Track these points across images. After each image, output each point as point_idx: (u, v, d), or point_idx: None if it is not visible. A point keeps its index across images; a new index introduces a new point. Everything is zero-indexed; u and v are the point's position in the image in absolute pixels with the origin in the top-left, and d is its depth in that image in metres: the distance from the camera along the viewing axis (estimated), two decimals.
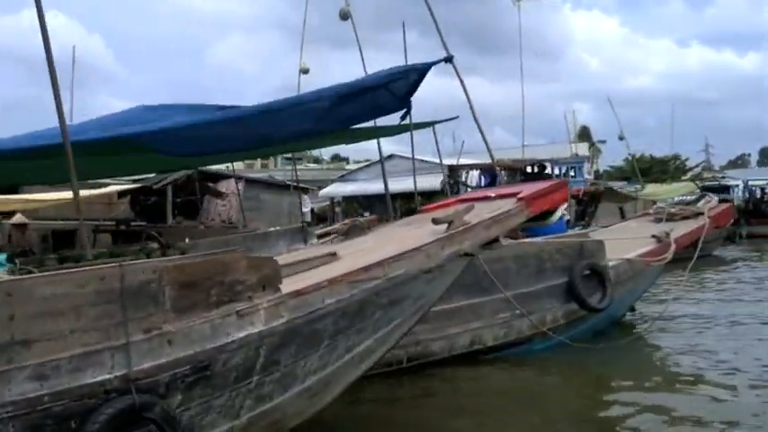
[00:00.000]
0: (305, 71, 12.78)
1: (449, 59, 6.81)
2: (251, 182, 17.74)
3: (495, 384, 5.69)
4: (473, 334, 5.89)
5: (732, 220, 8.45)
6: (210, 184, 16.36)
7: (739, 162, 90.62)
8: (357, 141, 8.68)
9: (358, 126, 7.63)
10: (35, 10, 3.69)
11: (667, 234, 7.10)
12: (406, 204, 21.41)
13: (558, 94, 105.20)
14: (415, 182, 10.59)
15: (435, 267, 3.87)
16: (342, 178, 24.05)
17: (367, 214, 22.99)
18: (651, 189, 20.00)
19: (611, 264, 6.71)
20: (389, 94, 6.72)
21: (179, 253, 7.80)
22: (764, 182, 28.82)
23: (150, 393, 2.72)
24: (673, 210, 7.95)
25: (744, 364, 6.39)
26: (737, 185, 27.28)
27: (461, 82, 7.04)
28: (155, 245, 8.65)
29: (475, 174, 17.62)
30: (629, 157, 68.99)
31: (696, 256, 7.52)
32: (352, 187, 22.20)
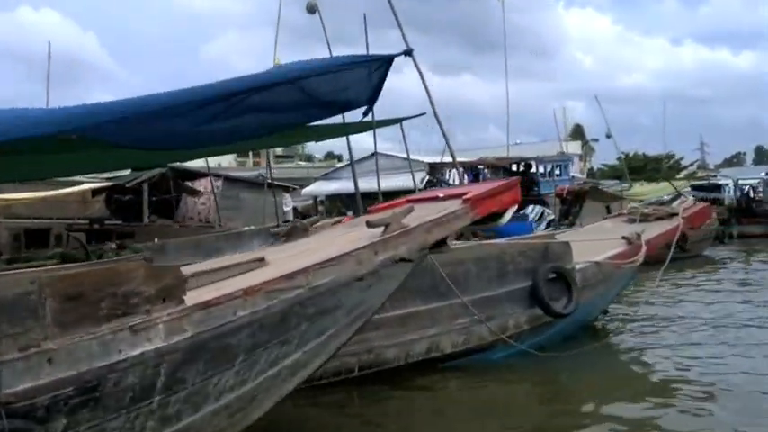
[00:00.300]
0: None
1: (408, 53, 6.56)
2: (231, 180, 17.44)
3: (453, 394, 5.46)
4: (430, 341, 5.64)
5: (708, 221, 8.17)
6: (188, 183, 16.08)
7: (735, 161, 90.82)
8: (321, 139, 8.43)
9: (318, 123, 7.41)
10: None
11: (638, 236, 6.86)
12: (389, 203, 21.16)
13: (552, 92, 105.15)
14: (378, 181, 10.35)
15: (368, 274, 3.61)
16: (325, 176, 23.80)
17: (350, 213, 22.75)
18: (639, 188, 19.78)
19: (577, 267, 6.46)
20: (355, 87, 6.48)
21: (133, 255, 7.52)
22: (756, 181, 28.63)
23: (25, 418, 2.46)
24: (646, 210, 7.71)
25: (721, 371, 6.17)
26: (728, 185, 27.07)
27: (420, 76, 6.77)
28: (113, 245, 8.35)
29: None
30: (622, 156, 68.88)
31: (669, 258, 7.31)
32: (336, 185, 21.94)
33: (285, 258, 3.80)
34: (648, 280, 13.72)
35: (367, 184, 21.52)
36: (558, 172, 19.14)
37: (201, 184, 16.48)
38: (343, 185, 21.29)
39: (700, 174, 55.14)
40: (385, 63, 6.43)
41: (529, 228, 8.05)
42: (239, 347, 3.16)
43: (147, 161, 9.08)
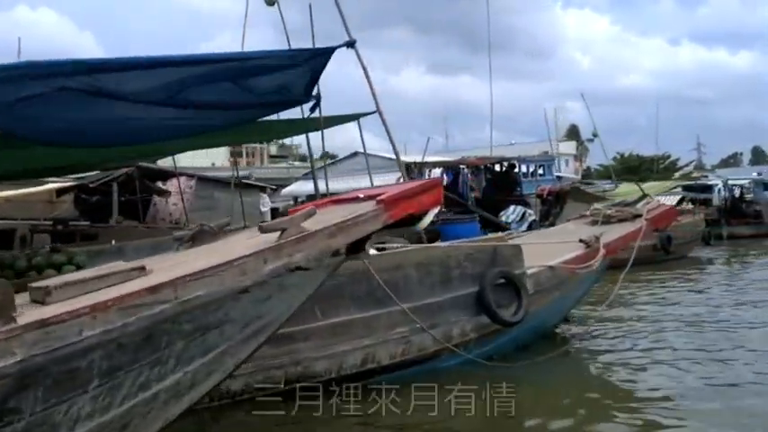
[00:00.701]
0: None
1: (350, 44, 6.21)
2: (205, 180, 17.06)
3: (388, 409, 4.86)
4: (365, 352, 5.26)
5: (671, 223, 7.80)
6: (160, 183, 15.70)
7: (731, 161, 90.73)
8: (264, 139, 8.15)
9: (266, 121, 7.03)
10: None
11: (597, 238, 6.49)
12: None
13: (550, 92, 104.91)
14: (327, 182, 9.93)
15: (255, 285, 3.23)
16: (306, 176, 23.39)
17: None
18: (624, 188, 19.41)
19: (529, 272, 6.09)
20: (289, 82, 6.12)
21: (66, 258, 7.16)
22: (745, 181, 28.30)
23: None
24: (609, 212, 7.33)
25: (688, 382, 5.80)
26: (718, 185, 26.75)
27: (364, 69, 6.45)
28: (47, 248, 7.98)
29: (437, 172, 17.00)
30: (618, 156, 68.91)
31: (631, 262, 6.95)
32: (320, 185, 21.55)
33: (170, 267, 3.42)
34: (632, 282, 13.53)
35: (347, 184, 21.19)
36: (541, 172, 18.75)
37: (174, 184, 16.08)
38: (321, 185, 20.95)
39: (695, 174, 54.93)
40: (325, 55, 6.09)
41: (477, 230, 7.65)
42: (92, 371, 2.77)
43: (98, 157, 8.68)
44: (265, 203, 18.12)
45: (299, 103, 6.48)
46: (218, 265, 3.09)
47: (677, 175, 56.13)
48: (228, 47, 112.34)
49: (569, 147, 72.26)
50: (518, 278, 5.88)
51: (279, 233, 3.38)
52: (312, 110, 6.85)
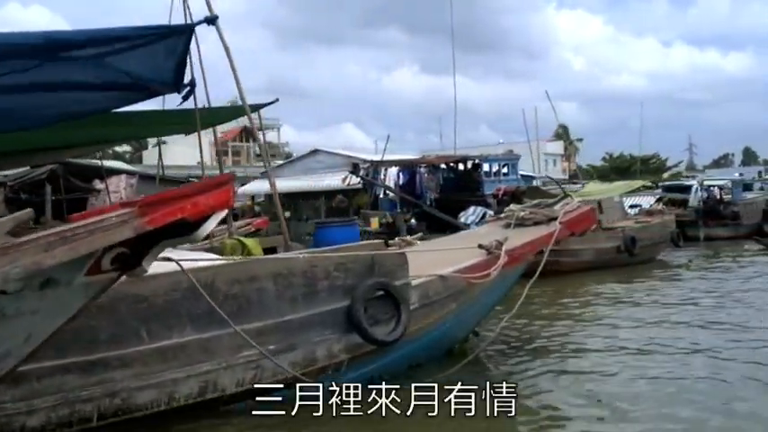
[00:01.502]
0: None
1: (211, 20, 5.45)
2: (146, 178, 16.24)
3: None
4: (203, 379, 4.49)
5: (593, 226, 7.06)
6: (97, 182, 14.88)
7: (722, 162, 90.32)
8: (136, 136, 7.38)
9: (122, 111, 6.26)
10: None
11: (500, 244, 5.74)
12: (329, 203, 20.10)
13: (542, 92, 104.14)
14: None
15: None
16: (265, 175, 22.60)
17: (287, 214, 21.60)
18: (590, 187, 18.67)
19: (415, 282, 5.34)
20: (149, 63, 5.36)
21: None
22: (723, 182, 27.63)
23: None
24: (523, 213, 6.59)
25: (595, 409, 5.11)
26: (694, 185, 26.06)
27: (226, 50, 5.70)
28: None
29: (393, 171, 16.24)
30: (606, 156, 68.01)
31: (540, 269, 6.22)
32: (277, 184, 20.80)
33: None
34: (592, 286, 12.84)
35: (307, 183, 20.46)
36: (505, 171, 17.98)
37: (113, 183, 15.27)
38: (282, 184, 20.16)
39: (685, 174, 54.35)
40: (183, 34, 5.33)
41: (356, 235, 6.87)
42: None
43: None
44: None
45: (166, 89, 5.70)
46: None
47: (666, 175, 55.69)
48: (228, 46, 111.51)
49: (557, 146, 71.66)
50: (398, 290, 5.13)
51: None
52: (185, 98, 6.09)
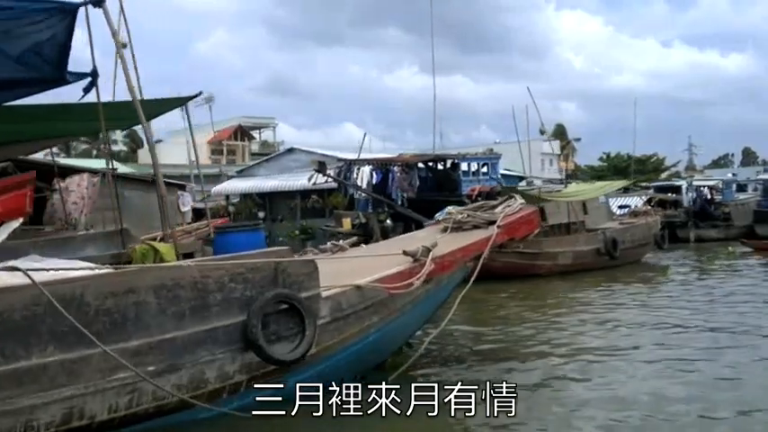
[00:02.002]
0: (124, 45, 10.84)
1: (97, 3, 4.91)
2: (113, 177, 15.68)
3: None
4: (67, 405, 3.95)
5: (536, 230, 6.52)
6: (57, 180, 14.32)
7: (722, 162, 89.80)
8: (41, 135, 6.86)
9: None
10: None
11: (427, 250, 5.20)
12: (304, 203, 19.56)
13: (544, 92, 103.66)
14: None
15: None
16: (240, 174, 22.08)
17: (261, 214, 21.06)
18: (573, 188, 18.13)
19: (326, 293, 4.80)
20: (38, 47, 4.83)
21: None
22: (714, 182, 27.08)
23: None
24: (460, 217, 6.05)
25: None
26: (683, 186, 25.53)
27: (112, 30, 5.14)
28: None
29: (366, 170, 15.67)
30: (604, 156, 67.59)
31: (474, 276, 5.69)
32: (250, 183, 20.23)
33: None
34: (562, 290, 12.32)
35: (283, 182, 19.90)
36: (485, 170, 17.39)
37: (75, 182, 14.70)
38: (255, 183, 19.63)
39: (684, 174, 53.77)
40: (65, 15, 4.79)
41: (261, 241, 6.30)
42: None
43: None
44: (185, 202, 16.71)
45: (54, 79, 5.17)
46: None
47: (664, 175, 55.12)
48: (224, 46, 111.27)
49: (554, 146, 70.79)
50: (304, 303, 4.59)
51: None
52: (86, 91, 5.57)
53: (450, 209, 6.29)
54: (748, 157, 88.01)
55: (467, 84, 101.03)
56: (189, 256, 6.09)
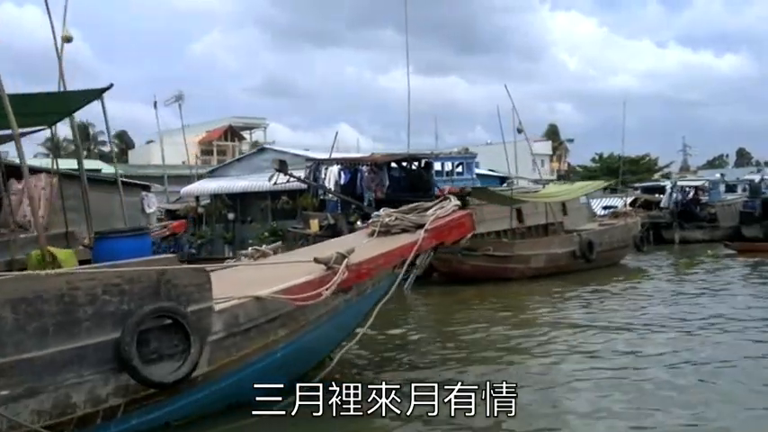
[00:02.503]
0: (67, 40, 10.37)
1: None
2: (71, 177, 15.16)
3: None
4: None
5: (469, 234, 6.02)
6: (14, 181, 13.80)
7: (717, 162, 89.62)
8: None
9: None
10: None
11: (342, 257, 4.72)
12: (273, 204, 19.04)
13: (540, 93, 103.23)
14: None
15: None
16: (211, 174, 21.56)
17: (231, 215, 20.55)
18: (551, 188, 17.65)
19: (220, 307, 4.32)
20: None
21: None
22: (701, 182, 26.63)
23: None
24: (388, 220, 5.56)
25: None
26: (667, 187, 25.06)
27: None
28: None
29: (335, 170, 15.18)
30: (596, 156, 67.30)
31: (398, 280, 5.20)
32: (219, 184, 19.71)
33: None
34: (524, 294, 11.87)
35: (253, 182, 19.37)
36: (460, 170, 16.88)
37: (32, 182, 14.15)
38: (225, 184, 19.12)
39: (674, 175, 53.47)
40: None
41: (147, 248, 5.83)
42: None
43: None
44: (150, 204, 16.14)
45: None
46: None
47: (657, 176, 54.77)
48: (220, 46, 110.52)
49: (546, 146, 70.47)
50: (190, 317, 4.11)
51: None
52: None
53: (381, 211, 5.80)
54: (743, 158, 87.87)
55: (462, 85, 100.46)
56: (87, 262, 5.60)
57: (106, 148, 67.40)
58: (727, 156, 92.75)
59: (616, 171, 50.15)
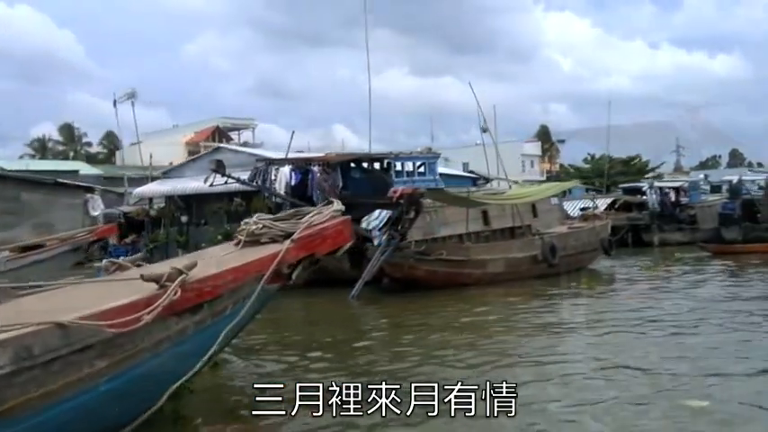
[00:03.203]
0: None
1: None
2: (5, 179, 14.50)
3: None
4: None
5: (347, 245, 5.24)
6: None
7: (710, 163, 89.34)
8: None
9: None
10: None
11: (179, 272, 3.98)
12: (228, 206, 18.28)
13: (535, 94, 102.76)
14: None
15: None
16: (165, 175, 20.79)
17: (185, 218, 19.79)
18: (517, 189, 16.96)
19: (2, 336, 3.57)
20: None
21: None
22: (680, 183, 26.00)
23: None
24: (255, 228, 4.83)
25: None
26: (648, 188, 24.41)
27: None
28: None
29: (285, 171, 14.44)
30: (588, 157, 66.97)
31: (256, 292, 4.45)
32: (173, 185, 18.96)
33: None
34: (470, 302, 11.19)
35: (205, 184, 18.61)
36: (422, 170, 16.15)
37: None
38: (176, 185, 18.37)
39: (666, 177, 52.91)
40: None
41: None
42: None
43: None
44: (96, 206, 15.45)
45: None
46: None
47: (649, 176, 54.28)
48: (213, 47, 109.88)
49: (536, 147, 69.90)
50: None
51: None
52: None
53: (255, 217, 5.04)
54: (735, 159, 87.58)
55: (456, 85, 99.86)
56: None
57: (92, 150, 66.83)
58: (719, 157, 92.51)
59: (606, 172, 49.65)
